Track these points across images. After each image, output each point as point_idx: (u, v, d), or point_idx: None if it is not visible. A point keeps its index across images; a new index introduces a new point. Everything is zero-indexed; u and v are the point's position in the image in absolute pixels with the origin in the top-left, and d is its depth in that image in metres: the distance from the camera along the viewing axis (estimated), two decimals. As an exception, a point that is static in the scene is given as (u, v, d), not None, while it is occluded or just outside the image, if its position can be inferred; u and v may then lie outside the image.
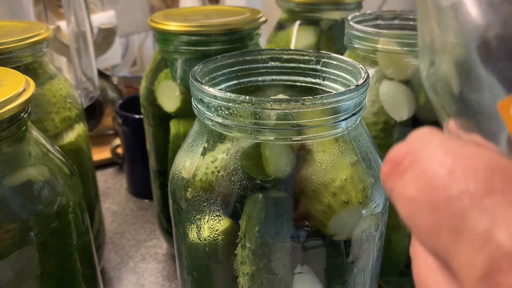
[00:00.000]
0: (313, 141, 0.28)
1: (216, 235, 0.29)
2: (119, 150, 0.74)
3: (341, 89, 0.32)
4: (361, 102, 0.28)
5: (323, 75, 0.33)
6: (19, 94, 0.29)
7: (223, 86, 0.33)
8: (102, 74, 0.80)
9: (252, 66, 0.34)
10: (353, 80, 0.31)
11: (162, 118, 0.49)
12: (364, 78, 0.28)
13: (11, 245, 0.28)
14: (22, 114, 0.30)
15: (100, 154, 0.78)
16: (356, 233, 0.29)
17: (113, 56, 0.91)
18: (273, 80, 0.35)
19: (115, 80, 0.82)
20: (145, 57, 1.11)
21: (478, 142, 0.14)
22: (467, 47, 0.14)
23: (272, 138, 0.26)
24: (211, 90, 0.27)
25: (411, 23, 0.46)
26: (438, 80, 0.16)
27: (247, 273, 0.29)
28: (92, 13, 0.86)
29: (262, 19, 0.48)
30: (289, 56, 0.34)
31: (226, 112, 0.26)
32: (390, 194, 0.15)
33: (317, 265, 0.29)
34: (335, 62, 0.32)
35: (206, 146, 0.29)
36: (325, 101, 0.26)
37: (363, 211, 0.29)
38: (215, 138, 0.29)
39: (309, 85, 0.34)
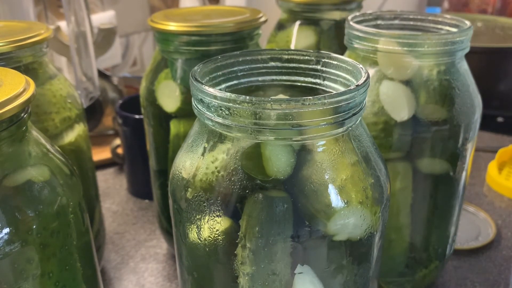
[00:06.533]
0: (313, 141, 0.28)
1: (216, 235, 0.29)
2: (119, 150, 0.74)
3: (341, 89, 0.32)
4: (362, 102, 0.28)
5: (323, 75, 0.33)
6: (19, 94, 0.28)
7: (223, 86, 0.33)
8: (102, 74, 0.80)
9: (252, 66, 0.34)
10: (353, 80, 0.31)
11: (162, 118, 0.49)
12: (364, 78, 0.28)
13: (11, 245, 0.28)
14: (22, 114, 0.30)
15: (100, 154, 0.78)
16: (356, 233, 0.29)
17: (113, 56, 0.91)
18: (273, 80, 0.35)
19: (115, 80, 0.82)
20: (145, 57, 1.11)
21: None
22: None
23: (272, 138, 0.26)
24: (211, 90, 0.27)
25: (411, 23, 0.46)
26: None
27: (247, 273, 0.29)
28: (92, 13, 0.86)
29: (262, 19, 0.48)
30: (289, 56, 0.34)
31: (226, 112, 0.26)
32: None
33: (318, 265, 0.29)
34: (335, 62, 0.32)
35: (206, 146, 0.29)
36: (326, 101, 0.26)
37: (363, 211, 0.29)
38: (215, 138, 0.29)
39: (309, 85, 0.34)
